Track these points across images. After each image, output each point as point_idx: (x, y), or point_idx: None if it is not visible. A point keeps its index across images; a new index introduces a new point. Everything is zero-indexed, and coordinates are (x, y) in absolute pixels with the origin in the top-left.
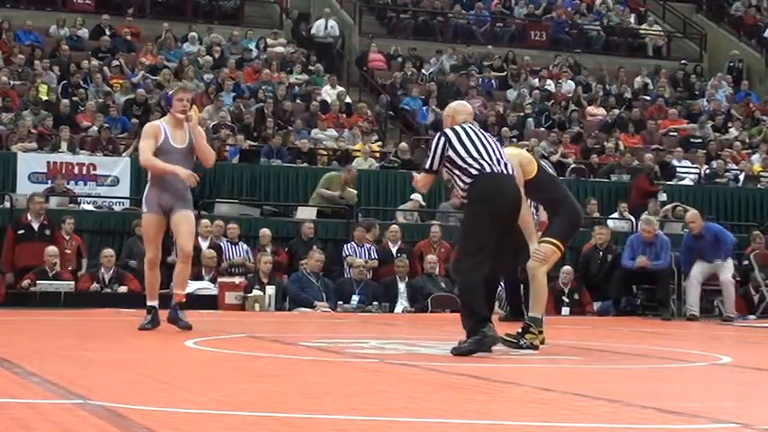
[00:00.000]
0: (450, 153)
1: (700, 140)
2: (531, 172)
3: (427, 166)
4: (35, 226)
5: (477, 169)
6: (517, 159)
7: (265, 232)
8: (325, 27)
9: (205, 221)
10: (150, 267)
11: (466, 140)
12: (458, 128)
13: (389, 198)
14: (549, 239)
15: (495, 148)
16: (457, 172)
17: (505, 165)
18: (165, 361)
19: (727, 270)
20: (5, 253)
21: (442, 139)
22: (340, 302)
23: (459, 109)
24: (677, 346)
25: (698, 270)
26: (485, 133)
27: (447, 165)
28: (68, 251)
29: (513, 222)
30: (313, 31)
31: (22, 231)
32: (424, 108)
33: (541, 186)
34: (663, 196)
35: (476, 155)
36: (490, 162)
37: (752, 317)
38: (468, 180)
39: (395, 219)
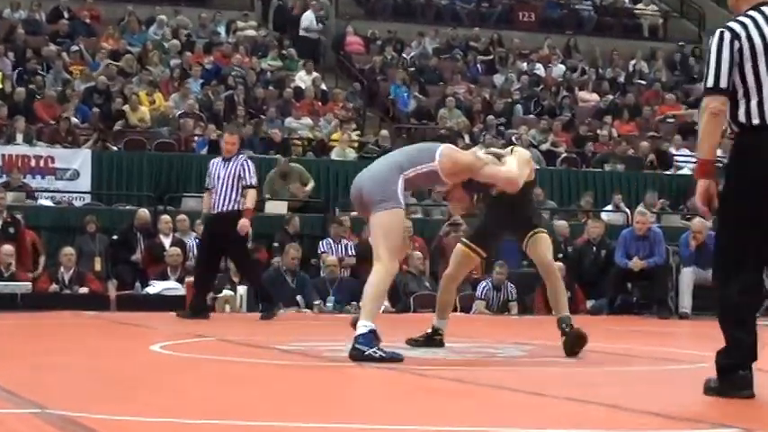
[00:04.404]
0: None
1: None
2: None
3: (710, 83)
4: None
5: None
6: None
7: None
8: (317, 23)
9: (166, 217)
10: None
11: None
12: (745, 19)
13: None
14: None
15: None
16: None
17: None
18: (128, 366)
19: None
20: None
21: (727, 37)
22: (317, 302)
23: None
24: (675, 346)
25: (692, 272)
26: None
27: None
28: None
29: None
30: (302, 25)
31: None
32: (405, 94)
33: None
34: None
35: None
36: None
37: None
38: (737, 129)
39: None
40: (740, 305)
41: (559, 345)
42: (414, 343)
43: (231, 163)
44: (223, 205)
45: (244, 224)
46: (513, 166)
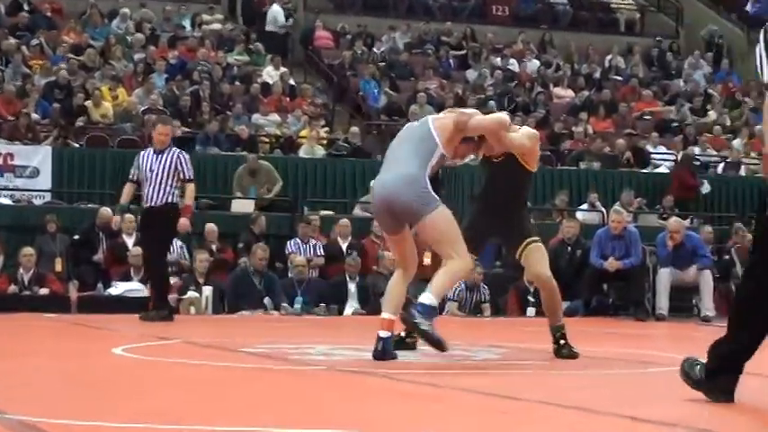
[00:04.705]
0: None
1: (676, 124)
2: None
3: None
4: None
5: None
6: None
7: (211, 228)
8: (287, 19)
9: (129, 216)
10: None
11: None
12: None
13: (338, 189)
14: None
15: None
16: None
17: None
18: (90, 369)
19: (704, 273)
20: None
21: None
22: (284, 305)
23: None
24: (652, 348)
25: (669, 273)
26: None
27: None
28: None
29: None
30: (268, 20)
31: None
32: (375, 90)
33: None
34: (706, 188)
35: None
36: None
37: None
38: None
39: (348, 212)
40: (754, 303)
41: (539, 348)
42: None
43: (165, 155)
44: (157, 198)
45: (185, 224)
46: (503, 116)
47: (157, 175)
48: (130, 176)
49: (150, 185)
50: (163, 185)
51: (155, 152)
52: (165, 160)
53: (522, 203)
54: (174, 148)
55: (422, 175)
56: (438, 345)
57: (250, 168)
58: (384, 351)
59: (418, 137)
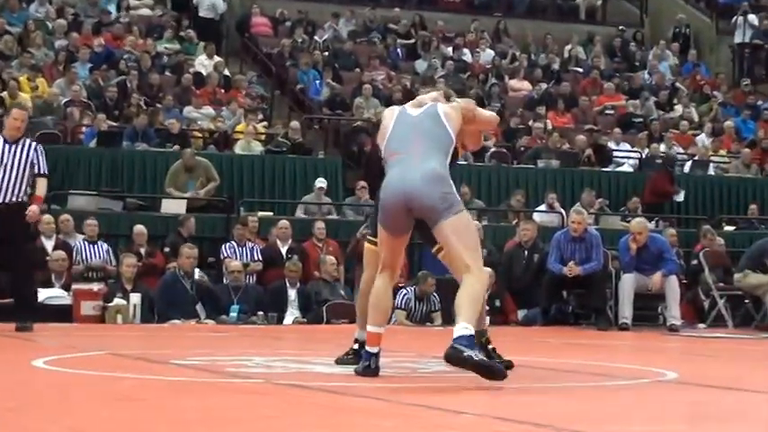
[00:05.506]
0: None
1: (640, 119)
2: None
3: None
4: None
5: None
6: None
7: (140, 230)
8: (224, 2)
9: (48, 217)
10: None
11: None
12: None
13: (277, 188)
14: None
15: None
16: None
17: None
18: (8, 383)
19: (670, 279)
20: None
21: None
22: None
23: None
24: (615, 360)
25: (633, 279)
26: None
27: None
28: None
29: None
30: (204, 5)
31: None
32: (317, 82)
33: None
34: (681, 196)
35: None
36: None
37: (701, 326)
38: None
39: (288, 213)
40: None
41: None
42: (344, 361)
43: (20, 146)
44: (12, 194)
45: (34, 211)
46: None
47: (12, 168)
48: None
49: (3, 179)
50: (18, 181)
51: (6, 141)
52: (22, 152)
53: None
54: (28, 140)
55: (446, 174)
56: (496, 373)
57: (186, 165)
58: (377, 369)
59: (431, 130)
